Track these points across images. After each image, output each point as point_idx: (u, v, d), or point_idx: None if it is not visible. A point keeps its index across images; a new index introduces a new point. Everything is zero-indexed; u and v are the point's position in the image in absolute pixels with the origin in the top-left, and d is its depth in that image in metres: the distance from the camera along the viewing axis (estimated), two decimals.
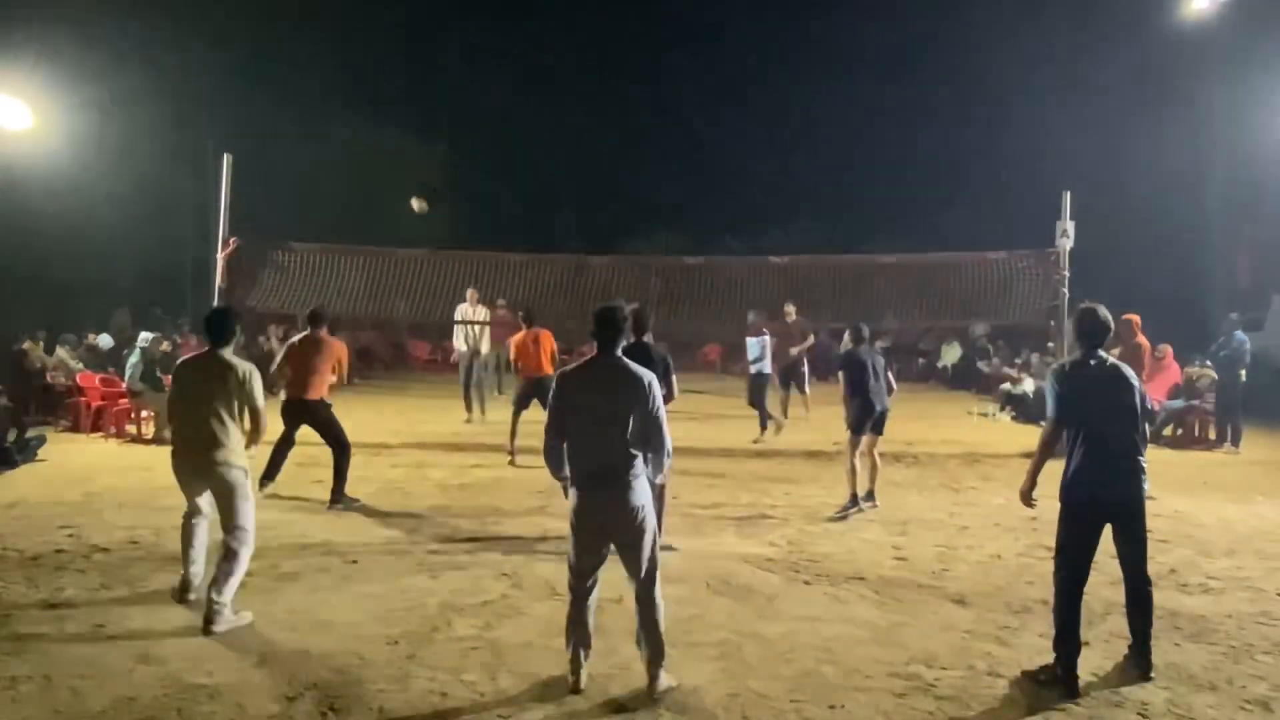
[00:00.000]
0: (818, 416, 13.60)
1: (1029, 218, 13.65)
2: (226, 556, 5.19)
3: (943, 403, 17.17)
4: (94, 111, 16.81)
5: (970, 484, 9.32)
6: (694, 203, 31.68)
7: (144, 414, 11.70)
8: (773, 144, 31.95)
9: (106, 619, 5.08)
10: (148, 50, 19.19)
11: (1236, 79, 18.07)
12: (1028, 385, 14.97)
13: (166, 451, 10.09)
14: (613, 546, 4.27)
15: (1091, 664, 4.65)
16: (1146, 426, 4.68)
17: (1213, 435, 12.19)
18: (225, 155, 11.80)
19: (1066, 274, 11.15)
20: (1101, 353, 4.62)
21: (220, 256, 11.60)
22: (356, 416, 10.06)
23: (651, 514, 4.24)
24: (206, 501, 5.50)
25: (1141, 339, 11.27)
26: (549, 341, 10.05)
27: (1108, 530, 4.54)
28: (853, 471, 7.96)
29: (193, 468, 5.38)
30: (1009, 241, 12.23)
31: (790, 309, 12.97)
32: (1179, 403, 12.60)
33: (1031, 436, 12.48)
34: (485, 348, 13.65)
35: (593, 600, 4.32)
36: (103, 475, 9.15)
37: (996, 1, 23.85)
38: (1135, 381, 4.58)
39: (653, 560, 4.24)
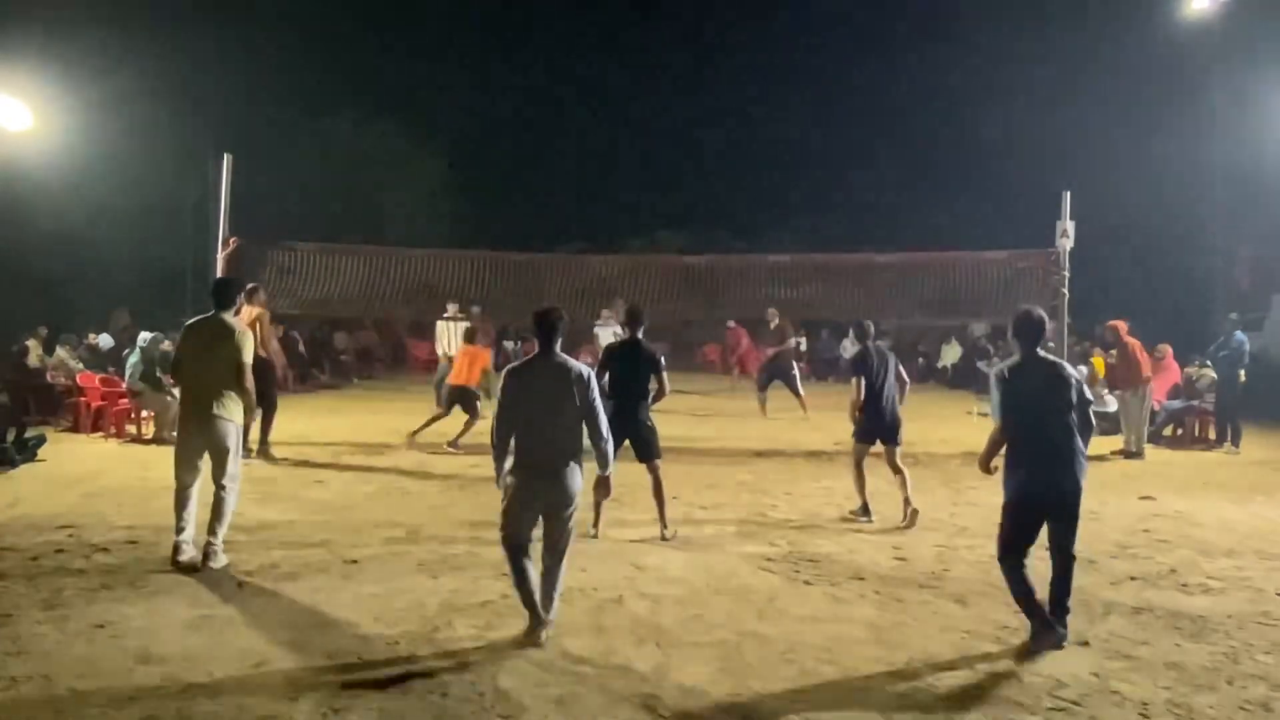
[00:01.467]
0: (818, 417, 13.61)
1: (1029, 218, 13.65)
2: (219, 503, 6.02)
3: (943, 403, 17.16)
4: (94, 111, 16.81)
5: (970, 484, 9.31)
6: (694, 203, 31.70)
7: (144, 414, 11.69)
8: (773, 144, 31.95)
9: (106, 619, 5.07)
10: (148, 50, 19.18)
11: (1237, 79, 18.06)
12: None
13: (167, 451, 10.12)
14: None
15: (1092, 664, 4.65)
16: (1091, 413, 4.99)
17: (1212, 435, 12.20)
18: (225, 155, 11.80)
19: (1066, 274, 11.15)
20: (1040, 351, 4.94)
21: (220, 256, 11.60)
22: (356, 417, 10.08)
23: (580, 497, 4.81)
24: (197, 471, 6.11)
25: (1129, 340, 11.31)
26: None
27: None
28: (860, 479, 7.72)
29: (197, 423, 6.05)
30: (1009, 241, 12.23)
31: (772, 312, 13.05)
32: (1179, 403, 12.61)
33: None
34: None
35: (529, 560, 4.80)
36: (103, 475, 9.14)
37: (997, 2, 23.85)
38: (1073, 376, 4.94)
39: (571, 533, 4.87)
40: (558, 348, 4.85)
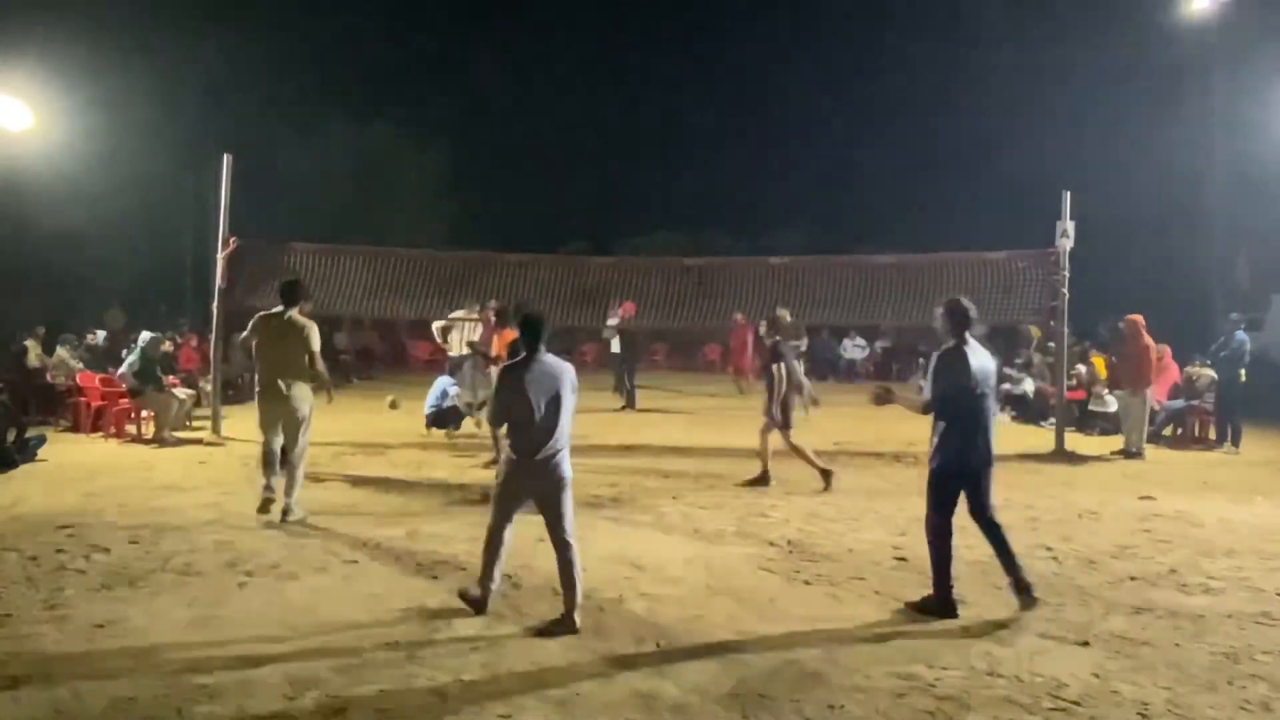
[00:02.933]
0: (818, 416, 13.60)
1: (1029, 218, 13.65)
2: (291, 470, 7.27)
3: None
4: (94, 111, 16.81)
5: None
6: (694, 203, 31.70)
7: (144, 414, 11.69)
8: (773, 144, 31.96)
9: (106, 619, 5.07)
10: (148, 50, 19.19)
11: (1237, 79, 18.06)
12: (1028, 385, 14.97)
13: (167, 451, 10.15)
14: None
15: (1092, 663, 4.65)
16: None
17: (1212, 435, 12.20)
18: (225, 155, 11.80)
19: (1066, 274, 11.15)
20: (969, 336, 5.40)
21: (220, 256, 11.60)
22: (356, 416, 10.07)
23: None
24: (279, 435, 7.33)
25: (1148, 340, 11.28)
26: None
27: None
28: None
29: (270, 400, 7.28)
30: (1009, 241, 12.23)
31: (783, 312, 13.03)
32: (1179, 403, 12.61)
33: (1032, 437, 12.53)
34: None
35: (508, 536, 5.26)
36: (103, 475, 9.14)
37: (998, 2, 23.86)
38: (995, 360, 5.54)
39: (570, 511, 5.22)
40: (543, 349, 5.19)
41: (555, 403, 5.05)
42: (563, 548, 5.13)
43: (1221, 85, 18.69)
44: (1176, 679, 4.50)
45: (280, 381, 7.21)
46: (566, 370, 5.17)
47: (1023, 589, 5.37)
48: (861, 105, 28.77)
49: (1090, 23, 22.65)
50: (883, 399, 5.68)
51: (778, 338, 8.78)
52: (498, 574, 5.27)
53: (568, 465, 5.18)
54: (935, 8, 26.92)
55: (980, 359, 5.37)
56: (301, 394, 7.28)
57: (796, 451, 8.87)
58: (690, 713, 4.09)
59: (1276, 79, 16.74)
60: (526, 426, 5.03)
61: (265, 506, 7.24)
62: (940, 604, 5.31)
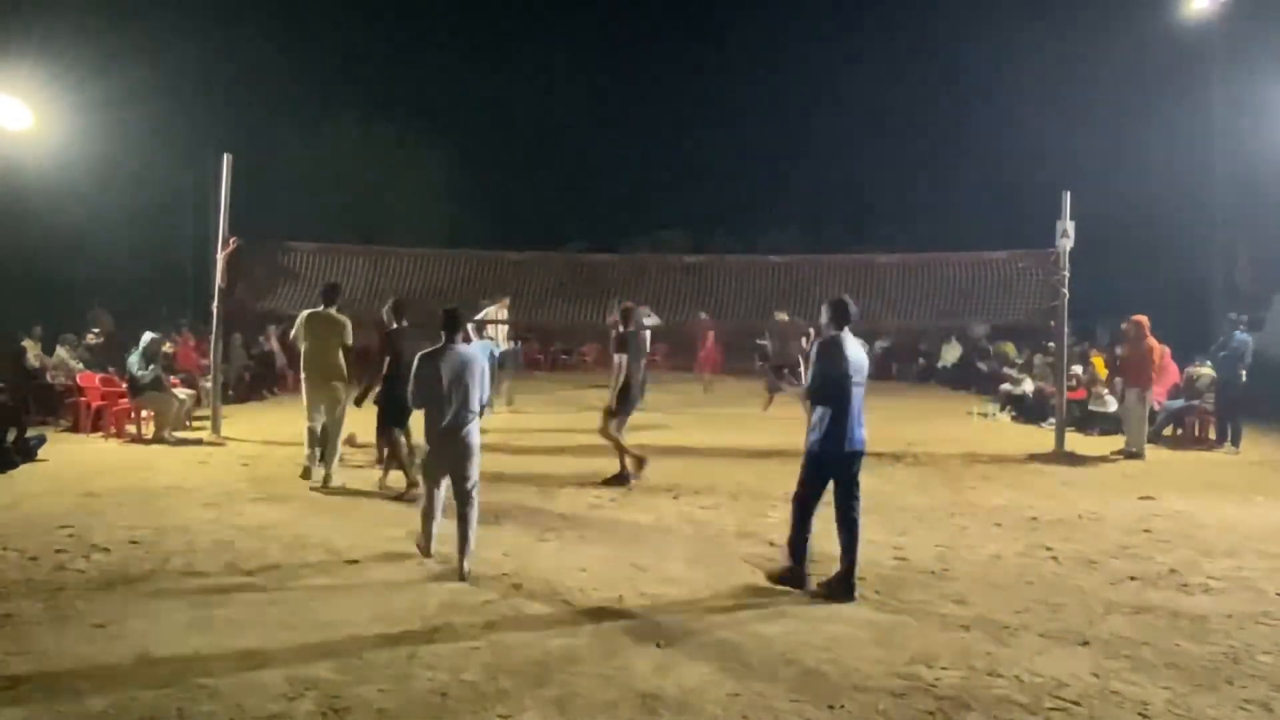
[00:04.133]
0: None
1: (1029, 218, 13.64)
2: (330, 444, 8.73)
3: (943, 403, 17.18)
4: (94, 111, 16.80)
5: (970, 484, 9.32)
6: (694, 203, 31.67)
7: (144, 414, 11.69)
8: (773, 143, 31.95)
9: (106, 619, 5.08)
10: (148, 50, 19.17)
11: (1237, 79, 18.05)
12: (1028, 385, 14.98)
13: (167, 451, 10.13)
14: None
15: (1092, 663, 4.65)
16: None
17: (1212, 435, 12.19)
18: (225, 155, 11.79)
19: (1066, 274, 11.14)
20: (847, 330, 5.81)
21: (220, 256, 11.60)
22: (356, 416, 10.05)
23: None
24: (322, 416, 8.71)
25: (1152, 341, 11.27)
26: None
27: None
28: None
29: (313, 388, 8.68)
30: (1009, 241, 12.22)
31: (783, 315, 13.11)
32: (1179, 403, 12.61)
33: (1032, 437, 12.54)
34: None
35: (440, 496, 6.25)
36: (103, 475, 9.14)
37: (998, 2, 23.85)
38: (866, 353, 5.95)
39: (476, 476, 6.14)
40: (459, 338, 6.20)
41: (467, 386, 5.96)
42: (463, 500, 6.06)
43: (1221, 85, 18.68)
44: (1176, 679, 4.50)
45: (326, 375, 8.60)
46: (477, 357, 6.16)
47: (845, 584, 5.66)
48: (862, 105, 28.76)
49: (1090, 22, 22.64)
50: (774, 387, 6.10)
51: (630, 329, 9.06)
52: (434, 531, 6.29)
53: (478, 436, 6.13)
54: (936, 8, 26.91)
55: (855, 350, 5.78)
56: (340, 382, 8.69)
57: (614, 443, 8.98)
58: (690, 713, 4.09)
59: (1277, 79, 16.73)
60: (438, 409, 5.94)
61: (306, 474, 8.75)
62: (794, 576, 5.78)
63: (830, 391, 5.65)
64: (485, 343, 11.41)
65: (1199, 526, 7.62)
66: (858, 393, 5.69)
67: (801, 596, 5.70)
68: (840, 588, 5.64)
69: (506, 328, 14.56)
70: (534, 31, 33.25)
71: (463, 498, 6.09)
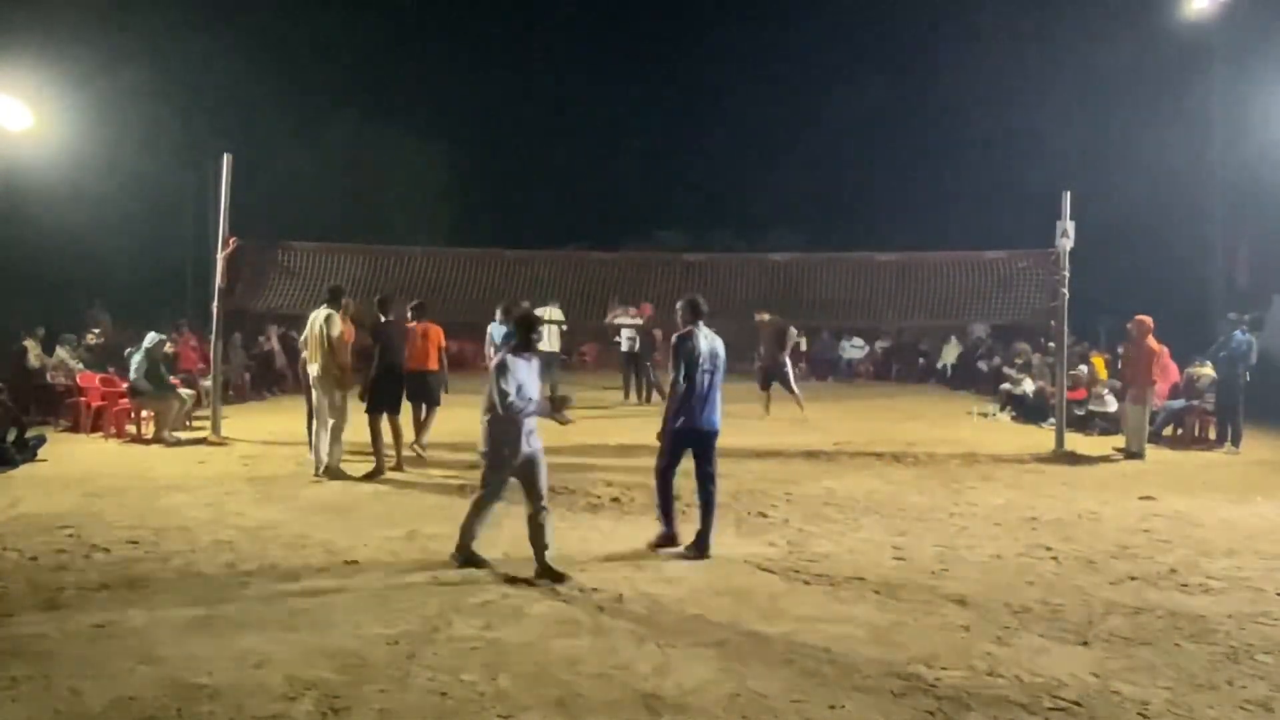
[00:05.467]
0: (819, 416, 13.62)
1: (1029, 218, 13.64)
2: (332, 437, 9.15)
3: (943, 403, 17.18)
4: (94, 111, 16.79)
5: (970, 484, 9.32)
6: (694, 203, 31.65)
7: (144, 414, 11.69)
8: (773, 143, 31.91)
9: (106, 619, 5.08)
10: (148, 50, 19.16)
11: (1236, 78, 18.04)
12: (1028, 385, 14.98)
13: (167, 451, 10.13)
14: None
15: (1092, 663, 4.65)
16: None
17: (1212, 435, 12.19)
18: (225, 155, 11.79)
19: (1066, 274, 11.14)
20: (701, 324, 6.51)
21: (220, 256, 11.60)
22: (356, 416, 10.07)
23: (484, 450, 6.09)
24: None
25: (1152, 342, 11.26)
26: (438, 335, 10.36)
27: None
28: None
29: (313, 384, 9.24)
30: (1009, 241, 12.22)
31: (763, 315, 13.18)
32: (1179, 403, 12.61)
33: (1032, 436, 12.54)
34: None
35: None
36: (103, 475, 9.15)
37: (998, 3, 23.83)
38: (721, 344, 6.60)
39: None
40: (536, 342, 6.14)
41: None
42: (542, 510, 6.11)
43: (1221, 85, 18.67)
44: (1176, 679, 4.50)
45: (315, 366, 9.07)
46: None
47: (701, 544, 6.44)
48: (862, 105, 28.68)
49: (1090, 22, 22.61)
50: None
51: (391, 318, 9.59)
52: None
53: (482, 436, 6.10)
54: (936, 8, 26.88)
55: (711, 342, 6.52)
56: (322, 376, 9.06)
57: (373, 435, 9.27)
58: (690, 713, 4.10)
59: (1276, 79, 16.72)
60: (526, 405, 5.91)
61: (316, 469, 9.16)
62: (668, 538, 6.58)
63: (689, 379, 6.37)
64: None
65: (1199, 526, 7.62)
66: (711, 379, 6.45)
67: (802, 600, 5.70)
68: (698, 546, 6.45)
69: (556, 330, 14.65)
70: (534, 31, 33.22)
71: (542, 508, 6.15)
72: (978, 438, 12.46)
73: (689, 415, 6.41)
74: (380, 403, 9.33)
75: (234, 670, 4.43)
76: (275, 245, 12.24)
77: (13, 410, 10.51)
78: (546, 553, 5.93)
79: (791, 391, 13.86)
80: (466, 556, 6.09)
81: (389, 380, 9.42)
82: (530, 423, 5.96)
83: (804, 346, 22.51)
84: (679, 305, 6.69)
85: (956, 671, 4.55)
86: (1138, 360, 11.30)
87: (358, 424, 9.44)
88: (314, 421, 9.35)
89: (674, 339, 6.56)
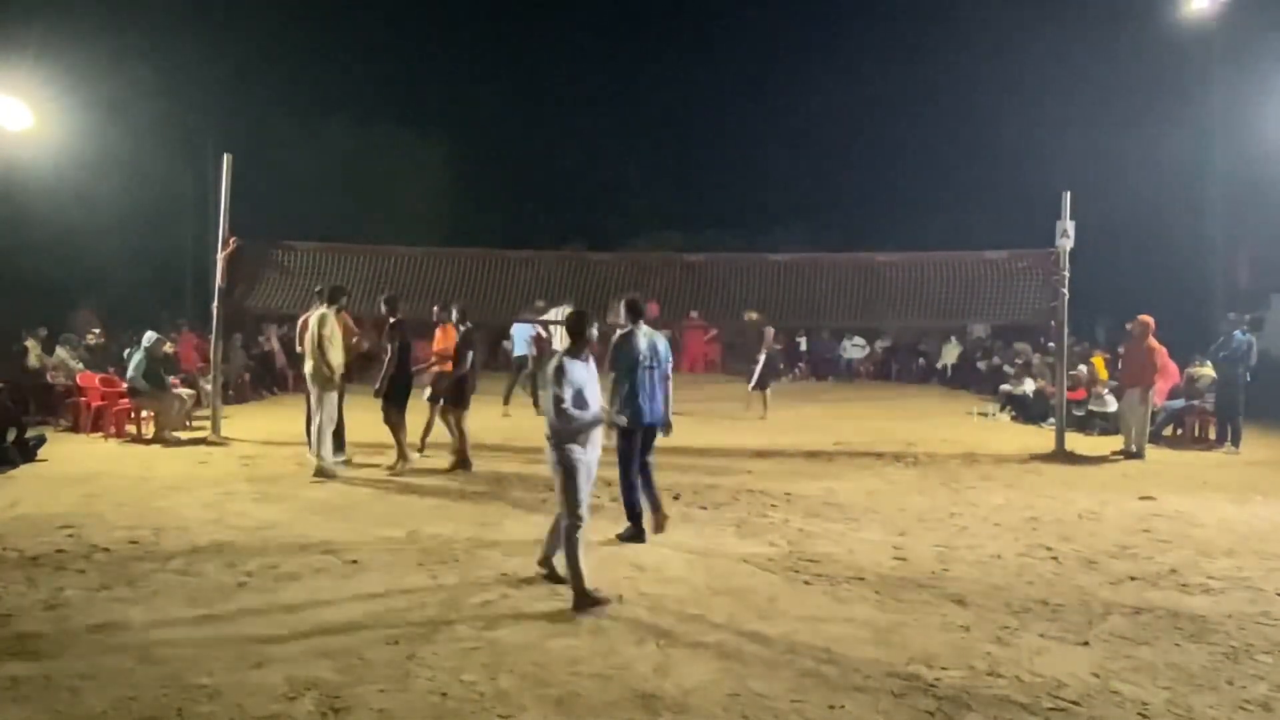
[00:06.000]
0: (818, 416, 13.63)
1: (1029, 218, 13.63)
2: (318, 433, 9.25)
3: (943, 403, 17.18)
4: (94, 111, 16.80)
5: (970, 484, 9.32)
6: (694, 203, 31.64)
7: (144, 414, 11.70)
8: (773, 143, 31.91)
9: (106, 619, 5.08)
10: (148, 50, 19.17)
11: (1236, 79, 18.04)
12: (1028, 385, 14.98)
13: (166, 451, 10.13)
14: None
15: (1092, 663, 4.65)
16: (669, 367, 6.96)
17: (1212, 435, 12.19)
18: (225, 155, 11.79)
19: (1066, 274, 11.14)
20: (643, 323, 6.87)
21: (220, 256, 11.60)
22: (356, 416, 10.08)
23: (553, 460, 5.53)
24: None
25: (1152, 342, 11.26)
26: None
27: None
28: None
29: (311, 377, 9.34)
30: (1009, 241, 12.22)
31: (751, 314, 13.30)
32: (1179, 403, 12.61)
33: (1032, 436, 12.54)
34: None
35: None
36: (103, 475, 9.15)
37: (998, 2, 23.83)
38: (664, 341, 6.97)
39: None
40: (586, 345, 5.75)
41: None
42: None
43: (1221, 85, 18.67)
44: (1176, 679, 4.50)
45: (309, 364, 9.30)
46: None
47: (658, 512, 6.92)
48: (862, 105, 28.69)
49: (1090, 23, 22.62)
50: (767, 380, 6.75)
51: (400, 316, 9.82)
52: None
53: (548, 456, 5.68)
54: (936, 8, 26.88)
55: (650, 339, 6.84)
56: (313, 374, 9.27)
57: (394, 428, 9.57)
58: (690, 713, 4.10)
59: (1276, 79, 16.72)
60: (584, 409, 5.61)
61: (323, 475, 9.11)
62: (634, 533, 6.84)
63: (629, 375, 6.70)
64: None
65: (1199, 526, 7.62)
66: (650, 375, 6.79)
67: (802, 600, 5.70)
68: (656, 524, 6.95)
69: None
70: (534, 31, 33.21)
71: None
72: (978, 438, 12.46)
73: (635, 411, 6.66)
74: (401, 398, 9.54)
75: (234, 670, 4.43)
76: (275, 245, 12.24)
77: (13, 410, 10.51)
78: (558, 554, 5.68)
79: (761, 389, 14.26)
80: (589, 600, 5.33)
81: (406, 375, 9.69)
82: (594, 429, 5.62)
83: (804, 346, 22.56)
84: (619, 305, 7.03)
85: (956, 671, 4.55)
86: (1138, 360, 11.30)
87: (361, 423, 9.45)
88: (313, 422, 9.43)
89: (614, 338, 6.90)
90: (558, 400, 5.38)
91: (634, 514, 6.86)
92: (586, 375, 5.58)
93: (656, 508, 6.97)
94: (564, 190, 31.76)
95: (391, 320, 9.68)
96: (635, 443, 6.77)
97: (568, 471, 5.42)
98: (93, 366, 13.47)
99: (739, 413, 14.30)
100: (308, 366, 9.37)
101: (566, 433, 5.42)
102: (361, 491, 8.60)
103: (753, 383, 14.35)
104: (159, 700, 4.11)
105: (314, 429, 9.34)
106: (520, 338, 14.45)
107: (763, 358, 14.32)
